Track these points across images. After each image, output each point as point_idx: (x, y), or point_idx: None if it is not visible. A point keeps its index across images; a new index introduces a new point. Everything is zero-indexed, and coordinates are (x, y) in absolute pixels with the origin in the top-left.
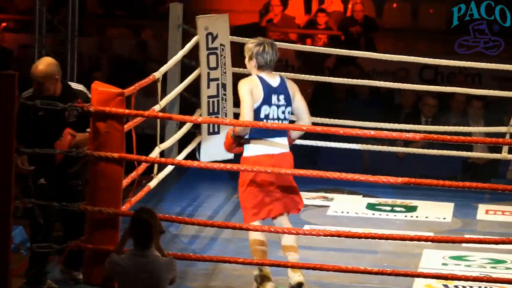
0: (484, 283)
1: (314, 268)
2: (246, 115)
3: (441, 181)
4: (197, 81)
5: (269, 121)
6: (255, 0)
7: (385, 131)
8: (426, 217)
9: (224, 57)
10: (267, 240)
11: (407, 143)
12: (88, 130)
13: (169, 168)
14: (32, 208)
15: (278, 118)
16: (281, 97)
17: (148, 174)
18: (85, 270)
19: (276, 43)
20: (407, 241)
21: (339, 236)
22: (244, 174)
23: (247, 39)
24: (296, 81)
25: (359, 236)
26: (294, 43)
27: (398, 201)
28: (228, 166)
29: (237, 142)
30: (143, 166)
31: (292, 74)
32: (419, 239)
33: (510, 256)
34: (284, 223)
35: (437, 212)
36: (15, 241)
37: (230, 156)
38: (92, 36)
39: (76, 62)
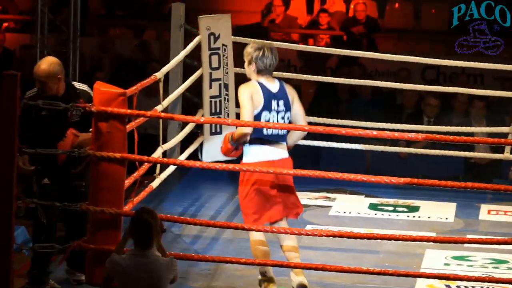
0: (486, 283)
1: (316, 269)
2: (247, 121)
3: (443, 181)
4: (199, 81)
5: None
6: (257, 0)
7: (387, 131)
8: (428, 217)
9: (226, 57)
10: (267, 240)
11: (409, 143)
12: (91, 130)
13: (171, 168)
14: (35, 208)
15: None
16: (281, 102)
17: (150, 174)
18: (87, 270)
19: (278, 43)
20: (409, 241)
21: (341, 236)
22: (244, 179)
23: (249, 39)
24: (298, 81)
25: (361, 236)
26: (296, 43)
27: (400, 201)
28: (230, 166)
29: (235, 147)
30: (145, 166)
31: (294, 74)
32: (421, 239)
33: None
34: (283, 226)
35: (439, 212)
36: (17, 241)
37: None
38: (94, 36)
39: (78, 62)
